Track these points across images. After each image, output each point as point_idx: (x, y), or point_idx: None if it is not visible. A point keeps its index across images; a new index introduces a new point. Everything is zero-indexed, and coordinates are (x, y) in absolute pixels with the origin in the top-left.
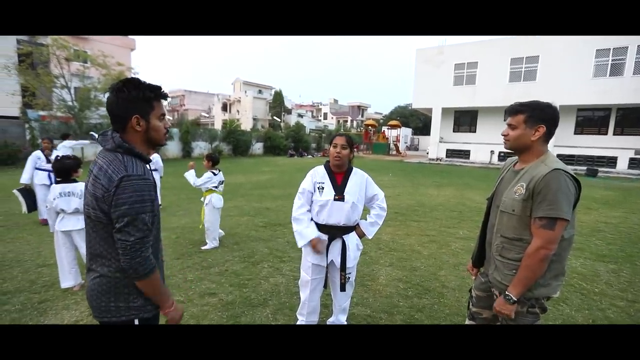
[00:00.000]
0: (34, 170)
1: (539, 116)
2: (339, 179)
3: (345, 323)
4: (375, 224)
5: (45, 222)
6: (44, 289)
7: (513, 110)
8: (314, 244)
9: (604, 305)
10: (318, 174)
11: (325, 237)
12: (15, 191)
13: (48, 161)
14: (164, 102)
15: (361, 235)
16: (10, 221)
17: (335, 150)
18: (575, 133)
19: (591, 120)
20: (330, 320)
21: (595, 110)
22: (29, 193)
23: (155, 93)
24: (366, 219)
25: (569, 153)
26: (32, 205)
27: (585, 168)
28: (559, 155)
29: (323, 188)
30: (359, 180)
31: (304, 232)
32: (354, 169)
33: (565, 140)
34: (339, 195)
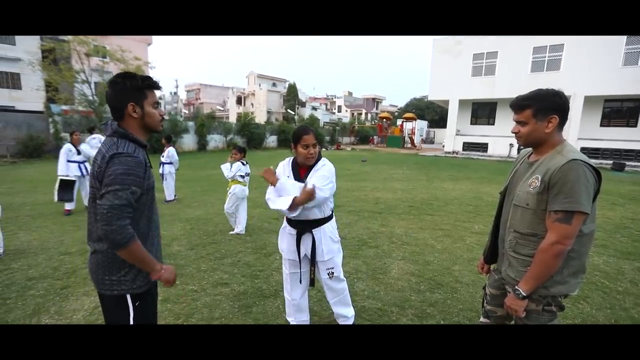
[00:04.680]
0: (67, 162)
1: (549, 107)
2: (302, 173)
3: (350, 316)
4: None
5: (68, 213)
6: (66, 275)
7: (518, 106)
8: (268, 173)
9: (628, 304)
10: (285, 167)
11: (294, 231)
12: (62, 178)
13: (78, 153)
14: (157, 92)
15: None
16: (36, 211)
17: (308, 151)
18: (602, 125)
19: (619, 111)
20: (336, 315)
21: (624, 100)
22: (67, 185)
23: (146, 82)
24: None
25: (594, 146)
26: (66, 196)
27: (611, 162)
28: (583, 149)
29: None
30: (321, 173)
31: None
32: (322, 160)
33: (591, 133)
34: None
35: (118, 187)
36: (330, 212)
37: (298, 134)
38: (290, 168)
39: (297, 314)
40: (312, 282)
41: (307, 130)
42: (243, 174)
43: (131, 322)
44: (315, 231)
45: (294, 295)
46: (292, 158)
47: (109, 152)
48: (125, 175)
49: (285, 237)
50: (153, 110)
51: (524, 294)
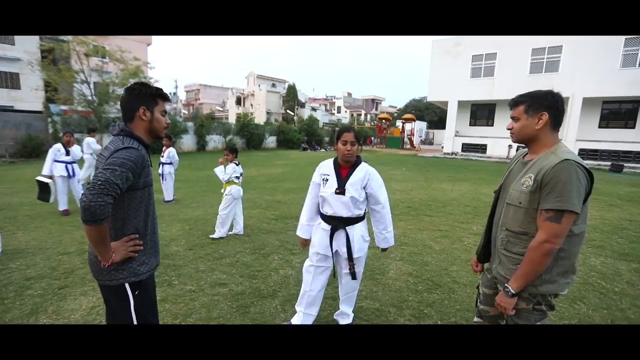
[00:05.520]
0: (54, 162)
1: (540, 104)
2: (343, 172)
3: (351, 314)
4: (385, 231)
5: (66, 213)
6: (64, 275)
7: (513, 102)
8: (301, 243)
9: (624, 305)
10: (325, 166)
11: (328, 227)
12: (38, 179)
13: (67, 153)
14: (167, 104)
15: (386, 249)
16: (34, 211)
17: (346, 147)
18: (600, 127)
19: (617, 113)
20: (337, 313)
21: (623, 102)
22: (46, 184)
23: (159, 92)
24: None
25: (593, 148)
26: (42, 195)
27: (609, 163)
28: (581, 150)
29: (327, 180)
30: (362, 175)
31: (301, 227)
32: (362, 164)
33: (589, 135)
34: (340, 189)
35: (117, 168)
36: (363, 214)
37: (340, 131)
38: (332, 166)
39: (309, 306)
40: (354, 275)
41: (349, 128)
42: (238, 175)
43: (132, 312)
44: (349, 229)
45: (314, 286)
46: (332, 159)
47: (114, 147)
48: (127, 161)
49: (319, 232)
50: (161, 117)
51: (513, 291)
